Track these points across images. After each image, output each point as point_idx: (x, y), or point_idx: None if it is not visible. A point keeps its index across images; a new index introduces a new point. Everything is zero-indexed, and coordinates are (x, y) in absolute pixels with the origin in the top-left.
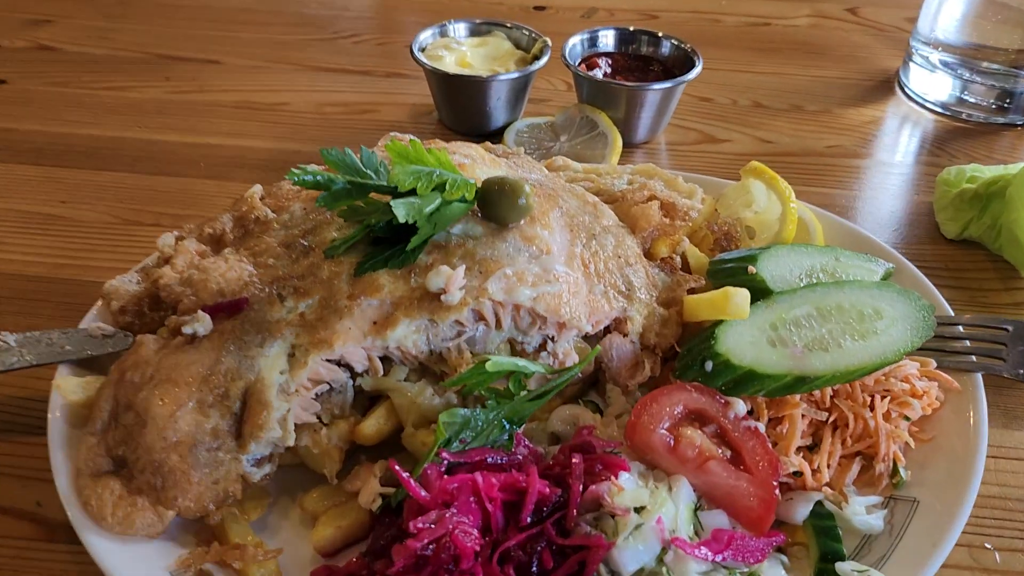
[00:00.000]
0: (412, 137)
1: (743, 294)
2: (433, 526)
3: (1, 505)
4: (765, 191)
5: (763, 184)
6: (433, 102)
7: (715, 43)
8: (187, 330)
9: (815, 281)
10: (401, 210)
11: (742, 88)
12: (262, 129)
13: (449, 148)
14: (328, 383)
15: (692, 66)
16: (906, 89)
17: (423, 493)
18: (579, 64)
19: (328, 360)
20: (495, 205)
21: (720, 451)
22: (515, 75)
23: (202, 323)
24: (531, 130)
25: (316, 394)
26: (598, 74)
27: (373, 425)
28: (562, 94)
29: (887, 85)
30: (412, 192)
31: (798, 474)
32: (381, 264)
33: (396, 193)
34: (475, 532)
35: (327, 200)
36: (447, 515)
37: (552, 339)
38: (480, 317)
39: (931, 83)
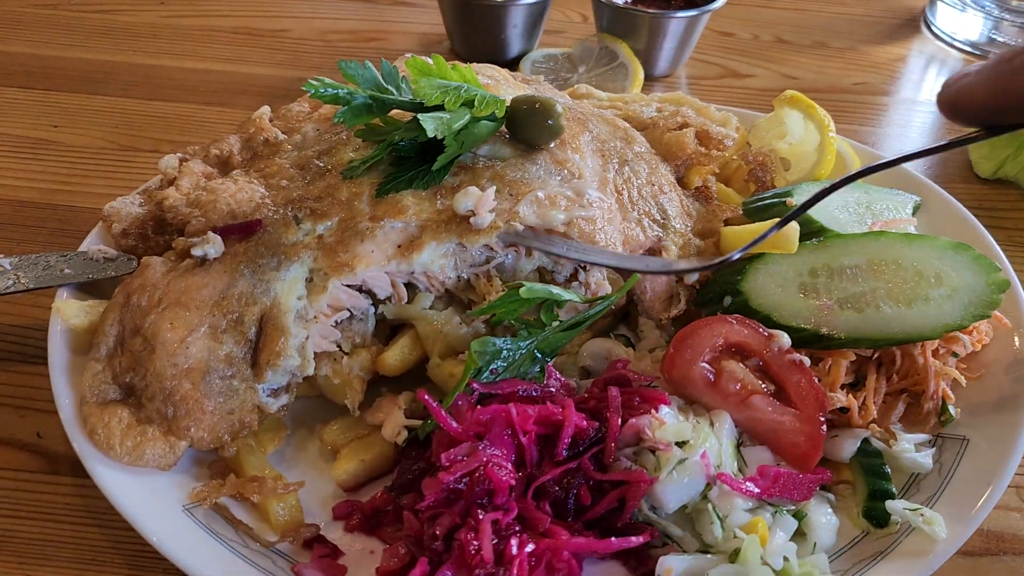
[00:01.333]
0: (435, 54)
1: (793, 227)
2: (465, 458)
3: None
4: (801, 121)
5: (799, 114)
6: (445, 30)
7: None
8: (197, 252)
9: (855, 215)
10: (430, 124)
11: (763, 23)
12: (263, 55)
13: (475, 68)
14: (349, 310)
15: None
16: (933, 27)
17: (454, 424)
18: None
19: (349, 285)
20: (525, 125)
21: (763, 386)
22: (531, 1)
23: (213, 244)
24: (547, 60)
25: (336, 321)
26: (619, 1)
27: (397, 355)
28: (577, 26)
29: (912, 23)
30: (439, 108)
31: (844, 411)
32: (405, 184)
33: (421, 108)
34: (509, 466)
35: (346, 115)
36: (480, 447)
37: (584, 268)
38: (510, 243)
39: (960, 22)
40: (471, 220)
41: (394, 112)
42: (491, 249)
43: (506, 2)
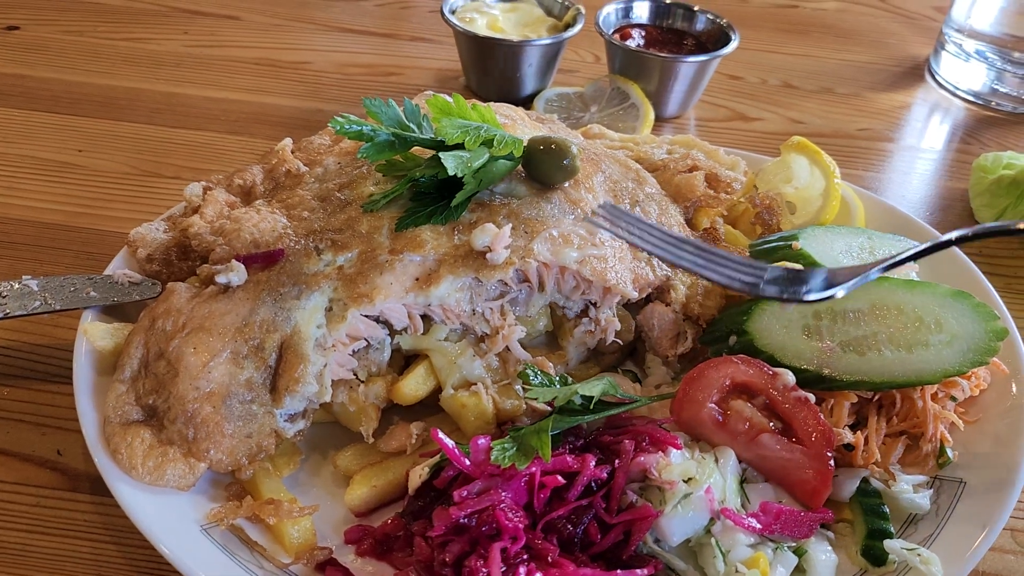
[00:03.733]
0: (455, 93)
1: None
2: (477, 497)
3: (20, 453)
4: (808, 167)
5: (806, 159)
6: (461, 66)
7: (743, 23)
8: (221, 279)
9: (858, 260)
10: (451, 162)
11: (771, 68)
12: (284, 87)
13: (493, 107)
14: (366, 339)
15: (727, 41)
16: (937, 76)
17: (467, 463)
18: (612, 34)
19: (367, 316)
20: (541, 164)
21: (771, 423)
22: (548, 41)
23: (236, 272)
24: (560, 99)
25: (353, 350)
26: (632, 44)
27: (412, 384)
28: (590, 66)
29: (917, 72)
30: (459, 146)
31: (849, 448)
32: (424, 219)
33: (442, 147)
34: (519, 512)
35: (370, 152)
36: (492, 488)
37: (595, 304)
38: (524, 278)
39: (964, 72)
40: (487, 256)
41: (414, 148)
42: (505, 284)
43: (522, 42)
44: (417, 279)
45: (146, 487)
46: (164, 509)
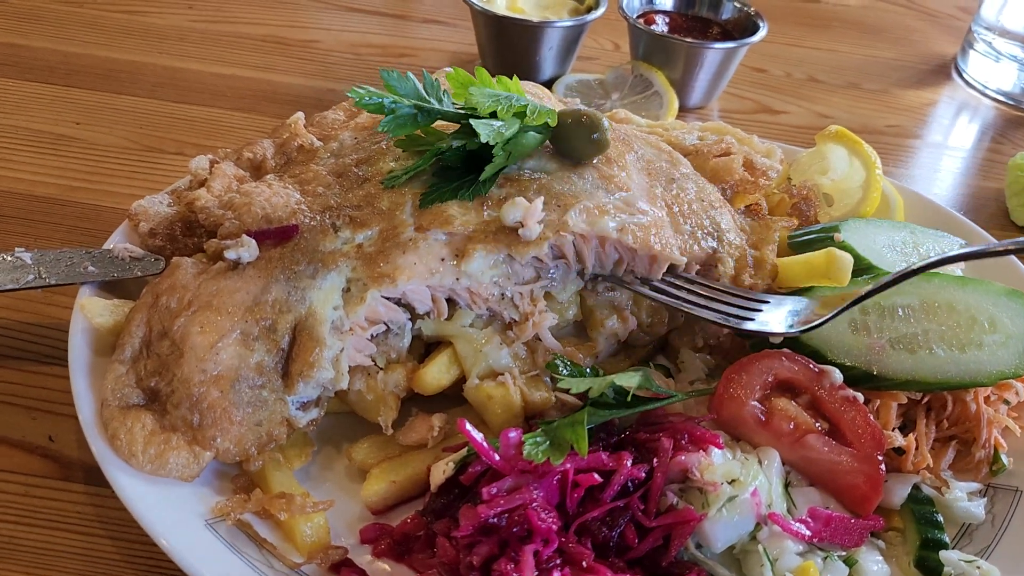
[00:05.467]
0: (477, 67)
1: (847, 258)
2: (507, 495)
3: (8, 438)
4: (846, 157)
5: (844, 150)
6: (478, 49)
7: (765, 16)
8: (230, 255)
9: (901, 254)
10: (484, 130)
11: (796, 61)
12: (292, 65)
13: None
14: (386, 323)
15: (754, 30)
16: (964, 75)
17: (497, 458)
18: (636, 19)
19: (388, 298)
20: (571, 138)
21: (816, 424)
22: (569, 23)
23: (247, 248)
24: (580, 85)
25: (372, 335)
26: (657, 29)
27: (435, 373)
28: (609, 54)
29: (943, 70)
30: (491, 116)
31: (900, 451)
32: (450, 194)
33: (466, 119)
34: (552, 512)
35: (391, 125)
36: (524, 486)
37: (640, 278)
38: (560, 254)
39: (994, 71)
40: (520, 232)
41: (436, 124)
42: (539, 261)
43: (543, 23)
44: (443, 259)
45: (146, 477)
46: (165, 501)
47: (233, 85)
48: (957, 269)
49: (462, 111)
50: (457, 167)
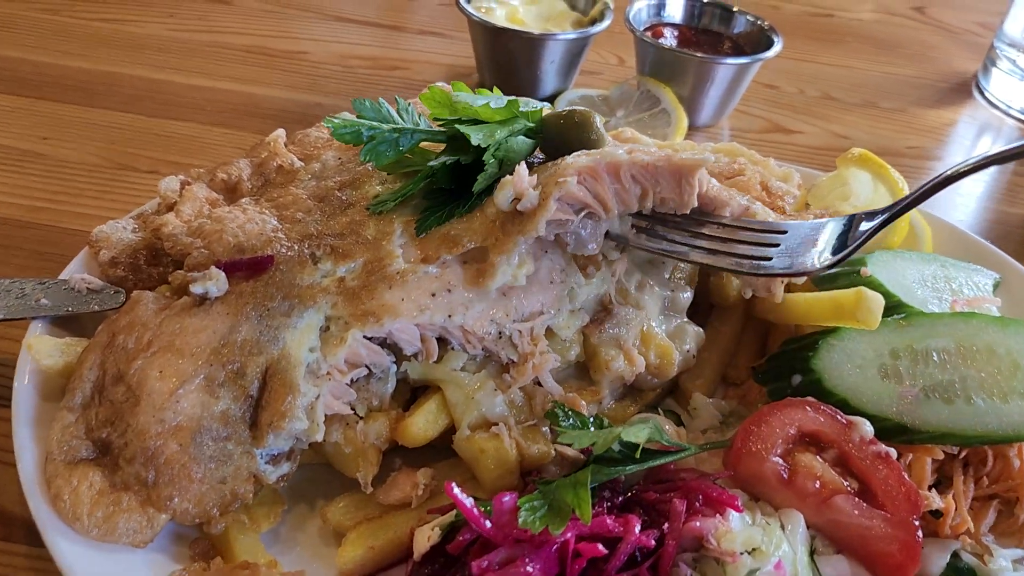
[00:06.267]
0: (455, 81)
1: (878, 299)
2: (500, 568)
3: None
4: (870, 183)
5: (868, 174)
6: (475, 62)
7: (778, 29)
8: (196, 289)
9: (932, 290)
10: (476, 134)
11: (809, 78)
12: (277, 77)
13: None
14: (368, 367)
15: (768, 45)
16: (986, 94)
17: (488, 526)
18: (643, 32)
19: (371, 338)
20: (563, 140)
21: (845, 483)
22: (572, 36)
23: (216, 281)
24: (583, 101)
25: (352, 379)
26: (665, 42)
27: (421, 423)
28: (614, 69)
29: (964, 88)
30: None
31: (937, 514)
32: (446, 216)
33: (452, 137)
34: None
35: (372, 153)
36: (519, 557)
37: (672, 213)
38: (580, 207)
39: (1018, 90)
40: (519, 207)
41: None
42: (560, 223)
43: (544, 35)
44: (434, 294)
45: (92, 543)
46: (114, 571)
47: (214, 98)
48: (994, 308)
49: (445, 126)
50: (448, 188)
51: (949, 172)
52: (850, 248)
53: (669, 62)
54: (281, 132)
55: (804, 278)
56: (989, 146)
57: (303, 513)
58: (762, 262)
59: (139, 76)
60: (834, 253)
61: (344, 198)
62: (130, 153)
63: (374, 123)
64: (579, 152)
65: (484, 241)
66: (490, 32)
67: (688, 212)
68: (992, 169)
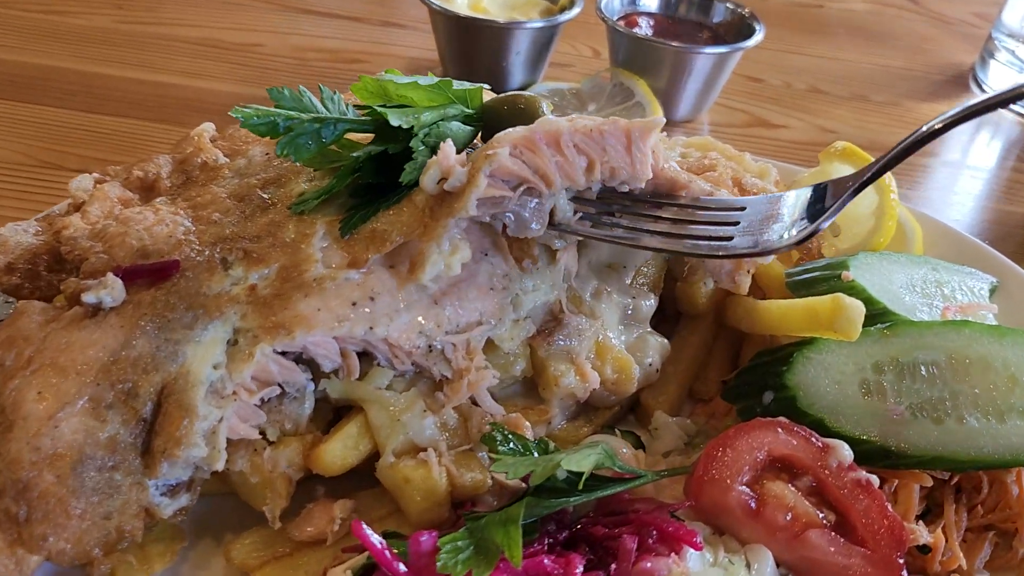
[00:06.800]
0: (390, 68)
1: (857, 307)
2: None
3: None
4: None
5: (853, 169)
6: (438, 54)
7: (762, 21)
8: (88, 298)
9: (922, 296)
10: (396, 117)
11: (796, 71)
12: (226, 71)
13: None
14: (280, 385)
15: (750, 33)
16: (984, 87)
17: (403, 570)
18: (617, 21)
19: (284, 353)
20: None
21: (820, 515)
22: (540, 24)
23: (110, 289)
24: (553, 95)
25: (262, 399)
26: (640, 31)
27: (338, 449)
28: (588, 61)
29: (960, 80)
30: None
31: (925, 549)
32: (372, 212)
33: (380, 127)
34: None
35: (291, 146)
36: None
37: (623, 183)
38: (517, 181)
39: (1018, 82)
40: (447, 187)
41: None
42: (495, 201)
43: (510, 24)
44: (355, 303)
45: None
46: None
47: (157, 93)
48: (991, 315)
49: (371, 115)
50: (377, 183)
51: (933, 123)
52: (821, 220)
53: (644, 53)
54: (209, 125)
55: (771, 257)
56: (988, 141)
57: (208, 550)
58: (722, 243)
59: (76, 70)
60: (806, 224)
61: (267, 197)
62: (59, 151)
63: (292, 112)
64: (506, 129)
65: (413, 232)
66: (452, 22)
67: (643, 186)
68: (990, 166)
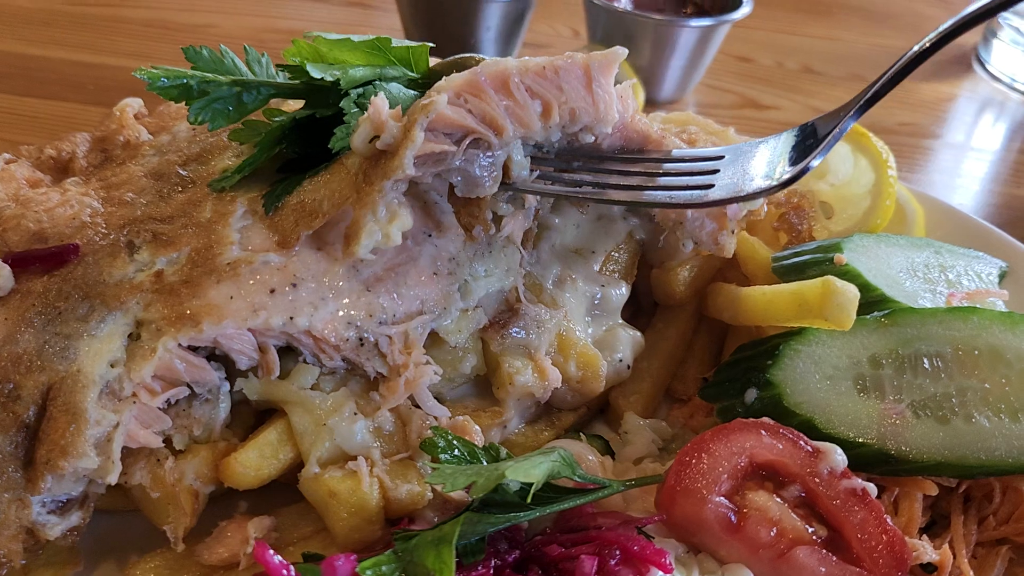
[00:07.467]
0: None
1: (850, 291)
2: None
3: None
4: (850, 156)
5: (847, 147)
6: (403, 32)
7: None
8: None
9: (924, 281)
10: (318, 71)
11: (789, 50)
12: (176, 53)
13: None
14: (189, 385)
15: (736, 7)
16: (988, 67)
17: None
18: None
19: (192, 348)
20: None
21: (810, 529)
22: None
23: None
24: None
25: (167, 402)
26: (619, 5)
27: (252, 459)
28: (567, 42)
29: (963, 61)
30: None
31: (930, 568)
32: (298, 183)
33: (312, 91)
34: None
35: (205, 112)
36: None
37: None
38: (462, 133)
39: (1022, 63)
40: (379, 145)
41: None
42: (437, 157)
43: None
44: (273, 290)
45: None
46: None
47: (98, 75)
48: (1000, 303)
49: (296, 76)
50: (307, 154)
51: (924, 41)
52: (811, 157)
53: (623, 27)
54: (135, 101)
55: (759, 203)
56: (993, 123)
57: (108, 574)
58: (702, 191)
59: (14, 52)
60: (792, 165)
61: (186, 175)
62: None
63: (208, 75)
64: (447, 78)
65: (345, 200)
66: None
67: (610, 131)
68: (997, 148)
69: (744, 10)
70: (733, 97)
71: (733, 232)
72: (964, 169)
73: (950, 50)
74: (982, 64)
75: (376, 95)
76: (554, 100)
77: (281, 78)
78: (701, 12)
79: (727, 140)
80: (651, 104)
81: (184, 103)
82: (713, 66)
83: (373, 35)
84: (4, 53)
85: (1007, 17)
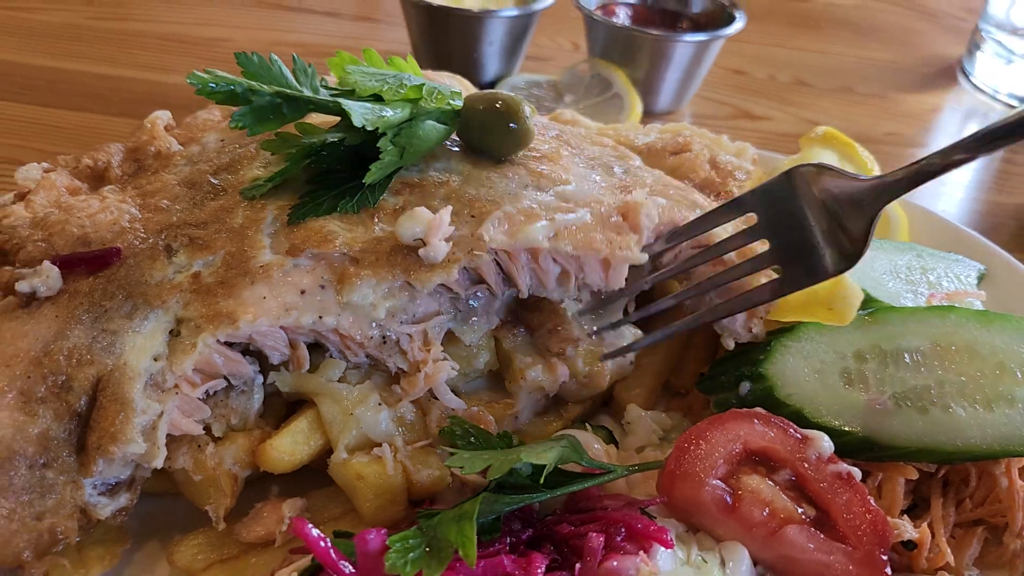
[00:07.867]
0: (366, 48)
1: (858, 291)
2: None
3: None
4: (836, 164)
5: (834, 155)
6: (411, 47)
7: (747, 15)
8: (22, 287)
9: (906, 283)
10: (359, 113)
11: (781, 63)
12: (191, 65)
13: (425, 75)
14: (226, 378)
15: (731, 23)
16: (972, 79)
17: (349, 571)
18: (595, 10)
19: (229, 343)
20: (484, 130)
21: (799, 510)
22: (514, 13)
23: (45, 278)
24: (529, 88)
25: (206, 393)
26: (617, 20)
27: (287, 445)
28: (568, 55)
29: (947, 73)
30: (375, 100)
31: (910, 546)
32: (329, 205)
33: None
34: None
35: (247, 118)
36: None
37: (596, 292)
38: (478, 278)
39: (1005, 73)
40: (420, 252)
41: (319, 121)
42: (449, 290)
43: (483, 13)
44: (304, 291)
45: None
46: None
47: (119, 87)
48: (978, 303)
49: (335, 97)
50: (338, 172)
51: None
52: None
53: (622, 42)
54: (164, 114)
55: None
56: None
57: (153, 552)
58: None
59: (40, 64)
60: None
61: (217, 183)
62: (11, 145)
63: (255, 84)
64: (499, 215)
65: (361, 255)
66: (424, 12)
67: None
68: (980, 158)
69: (737, 25)
70: (728, 108)
71: (761, 318)
72: (948, 177)
73: (936, 63)
74: (966, 76)
75: (445, 209)
76: (572, 270)
77: (323, 93)
78: (696, 27)
79: (720, 144)
80: (648, 115)
81: (214, 115)
82: (708, 78)
83: (383, 47)
84: (29, 66)
85: (990, 31)
